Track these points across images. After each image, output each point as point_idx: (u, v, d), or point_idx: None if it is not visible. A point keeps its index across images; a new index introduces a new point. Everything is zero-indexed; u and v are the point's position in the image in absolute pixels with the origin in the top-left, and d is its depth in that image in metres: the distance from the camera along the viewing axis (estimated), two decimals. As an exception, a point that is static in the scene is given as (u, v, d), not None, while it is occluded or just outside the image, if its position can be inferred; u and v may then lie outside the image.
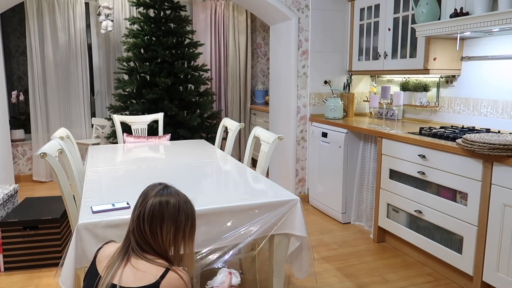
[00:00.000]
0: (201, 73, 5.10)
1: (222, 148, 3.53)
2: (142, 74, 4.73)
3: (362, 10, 3.94)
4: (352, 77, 4.25)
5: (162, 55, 4.53)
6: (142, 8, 4.74)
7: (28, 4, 4.95)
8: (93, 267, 1.39)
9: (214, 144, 3.53)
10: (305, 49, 4.17)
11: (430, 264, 2.91)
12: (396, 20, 3.46)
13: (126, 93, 4.77)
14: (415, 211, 2.90)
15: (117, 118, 3.78)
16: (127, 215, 1.72)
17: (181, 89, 4.80)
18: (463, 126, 3.13)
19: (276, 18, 4.32)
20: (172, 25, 4.77)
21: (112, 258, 1.34)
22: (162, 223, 1.34)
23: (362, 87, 4.39)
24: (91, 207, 1.81)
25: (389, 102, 3.54)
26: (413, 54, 3.28)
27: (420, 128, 3.07)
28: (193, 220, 1.43)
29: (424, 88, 3.53)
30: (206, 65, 5.16)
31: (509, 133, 2.63)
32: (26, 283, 2.70)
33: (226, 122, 3.48)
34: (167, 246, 1.36)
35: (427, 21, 2.94)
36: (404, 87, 3.69)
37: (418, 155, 2.83)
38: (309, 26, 4.14)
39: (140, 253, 1.33)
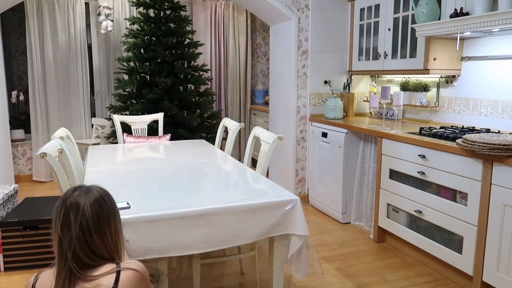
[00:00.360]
0: (201, 73, 5.09)
1: (222, 148, 3.53)
2: (142, 74, 4.73)
3: (362, 10, 3.94)
4: (352, 77, 4.25)
5: (162, 55, 4.53)
6: (142, 8, 4.74)
7: (28, 4, 4.95)
8: None
9: (214, 144, 3.53)
10: (305, 49, 4.17)
11: (430, 264, 2.91)
12: (396, 20, 3.46)
13: (126, 93, 4.77)
14: (415, 211, 2.90)
15: (117, 118, 3.78)
16: (127, 215, 1.72)
17: (181, 89, 4.80)
18: (463, 126, 3.13)
19: (276, 18, 4.32)
20: (172, 25, 4.77)
21: None
22: (109, 220, 1.26)
23: (362, 87, 4.39)
24: None
25: (389, 102, 3.54)
26: (413, 54, 3.28)
27: (420, 128, 3.07)
28: (116, 204, 1.35)
29: (424, 88, 3.53)
30: (206, 65, 5.16)
31: (509, 133, 2.63)
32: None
33: (226, 122, 3.48)
34: (116, 242, 1.28)
35: (427, 21, 2.94)
36: (404, 87, 3.69)
37: (418, 155, 2.83)
38: (309, 26, 4.14)
39: (84, 274, 1.20)
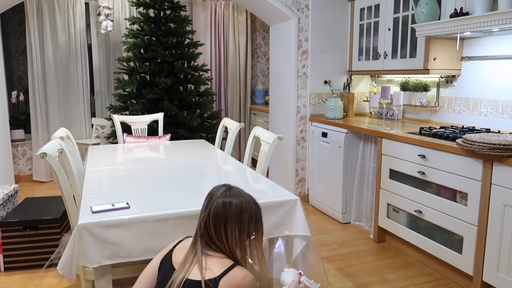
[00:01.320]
0: (201, 73, 5.10)
1: (222, 148, 3.53)
2: (142, 74, 4.73)
3: (362, 10, 3.94)
4: (352, 77, 4.25)
5: (162, 55, 4.53)
6: (142, 8, 4.74)
7: (28, 4, 4.95)
8: (168, 259, 1.46)
9: (214, 144, 3.53)
10: (305, 49, 4.17)
11: (430, 264, 2.91)
12: (396, 20, 3.46)
13: (126, 93, 4.77)
14: (415, 211, 2.90)
15: (117, 118, 3.78)
16: (127, 215, 1.72)
17: (181, 89, 4.80)
18: (463, 126, 3.13)
19: (276, 18, 4.32)
20: (172, 25, 4.77)
21: (185, 256, 1.41)
22: (226, 223, 1.39)
23: (362, 87, 4.39)
24: (90, 207, 1.81)
25: (389, 102, 3.54)
26: (413, 54, 3.28)
27: (420, 128, 3.06)
28: (257, 220, 1.46)
29: (424, 88, 3.53)
30: (206, 65, 5.16)
31: (509, 133, 2.63)
32: (26, 283, 2.70)
33: (226, 122, 3.48)
34: (233, 247, 1.41)
35: (427, 21, 2.94)
36: (404, 87, 3.69)
37: (418, 155, 2.83)
38: (309, 26, 4.14)
39: (207, 252, 1.39)
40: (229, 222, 1.39)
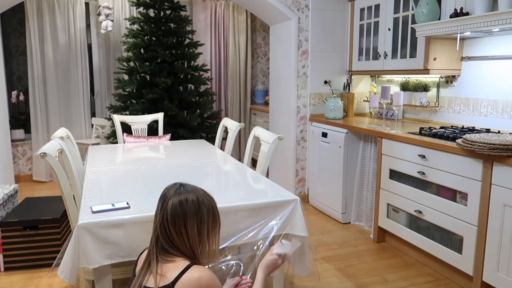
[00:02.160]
0: (201, 73, 5.10)
1: (222, 148, 3.53)
2: (142, 74, 4.73)
3: (362, 10, 3.94)
4: (352, 77, 4.25)
5: (162, 55, 4.53)
6: (142, 8, 4.75)
7: (28, 4, 4.95)
8: (134, 268, 1.46)
9: (214, 144, 3.53)
10: (305, 49, 4.17)
11: (430, 264, 2.91)
12: (396, 20, 3.46)
13: (126, 93, 4.77)
14: (415, 211, 2.90)
15: (117, 118, 3.78)
16: (126, 215, 1.72)
17: (181, 89, 4.80)
18: (463, 126, 3.13)
19: (276, 18, 4.32)
20: (172, 25, 4.77)
21: (142, 263, 1.39)
22: (185, 221, 1.36)
23: (362, 87, 4.39)
24: (90, 207, 1.81)
25: (389, 102, 3.54)
26: (413, 54, 3.28)
27: (420, 128, 3.06)
28: (214, 213, 1.44)
29: (424, 88, 3.53)
30: (206, 65, 5.16)
31: (509, 133, 2.63)
32: (26, 283, 2.70)
33: (226, 122, 3.48)
34: (193, 245, 1.38)
35: (427, 21, 2.94)
36: (404, 87, 3.69)
37: (418, 155, 2.83)
38: (309, 26, 4.14)
39: (164, 257, 1.35)
40: (188, 219, 1.36)
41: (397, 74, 3.66)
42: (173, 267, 1.33)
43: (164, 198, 1.39)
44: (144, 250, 1.48)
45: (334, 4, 4.16)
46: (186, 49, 4.81)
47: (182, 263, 1.34)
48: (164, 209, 1.37)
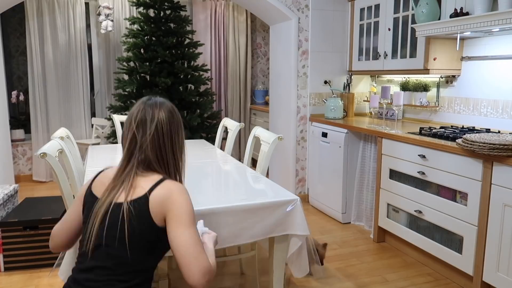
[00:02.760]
0: (201, 73, 5.09)
1: (222, 148, 3.53)
2: (142, 74, 4.73)
3: (362, 10, 3.94)
4: (352, 77, 4.25)
5: (162, 55, 4.53)
6: (142, 8, 4.74)
7: (28, 4, 4.95)
8: (89, 193, 1.38)
9: (214, 144, 3.53)
10: (305, 49, 4.17)
11: (430, 264, 2.91)
12: (396, 20, 3.46)
13: (126, 93, 4.77)
14: (415, 211, 2.90)
15: (117, 118, 3.78)
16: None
17: (181, 89, 4.80)
18: (463, 126, 3.13)
19: (276, 18, 4.32)
20: (172, 25, 4.77)
21: (111, 182, 1.34)
22: (177, 130, 1.38)
23: (362, 87, 4.39)
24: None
25: (389, 102, 3.54)
26: (413, 54, 3.28)
27: (420, 128, 3.06)
28: (181, 119, 1.46)
29: (424, 88, 3.53)
30: (206, 65, 5.16)
31: (509, 133, 2.63)
32: (26, 283, 2.70)
33: (226, 122, 3.48)
34: (180, 157, 1.41)
35: (427, 21, 2.94)
36: (404, 87, 3.69)
37: (418, 155, 2.83)
38: (309, 26, 4.14)
39: (139, 173, 1.34)
40: (180, 128, 1.40)
41: (397, 74, 3.66)
42: (148, 180, 1.32)
43: (151, 111, 1.36)
44: (95, 177, 1.42)
45: (334, 4, 4.16)
46: (186, 49, 4.81)
47: (156, 176, 1.34)
48: (157, 120, 1.34)
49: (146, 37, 4.68)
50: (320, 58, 4.21)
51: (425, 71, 3.16)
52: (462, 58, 3.21)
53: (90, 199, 1.37)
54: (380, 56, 3.66)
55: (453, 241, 2.64)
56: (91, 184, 1.41)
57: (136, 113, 1.37)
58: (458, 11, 2.71)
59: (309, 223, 3.75)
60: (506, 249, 2.28)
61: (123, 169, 1.36)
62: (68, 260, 1.66)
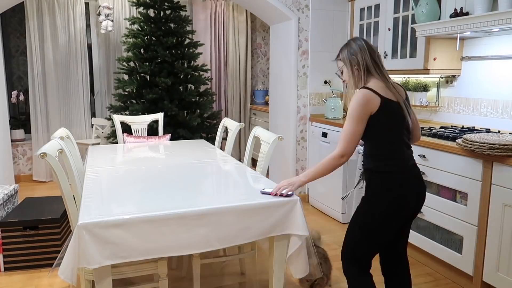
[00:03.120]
0: (201, 73, 5.10)
1: (222, 148, 3.53)
2: (142, 74, 4.73)
3: (362, 10, 3.94)
4: (352, 77, 4.24)
5: (162, 55, 4.53)
6: (142, 8, 4.74)
7: (28, 4, 4.95)
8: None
9: (214, 144, 3.53)
10: (305, 49, 4.17)
11: (430, 264, 2.91)
12: (396, 20, 3.46)
13: (126, 93, 4.77)
14: (415, 211, 2.89)
15: (117, 118, 3.78)
16: (127, 215, 1.72)
17: (181, 89, 4.80)
18: (463, 126, 3.13)
19: (276, 18, 4.32)
20: (172, 25, 4.77)
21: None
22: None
23: (362, 87, 4.38)
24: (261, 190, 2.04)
25: (389, 102, 3.54)
26: (413, 54, 3.28)
27: (420, 128, 3.06)
28: None
29: (424, 88, 3.53)
30: (206, 65, 5.16)
31: (509, 133, 2.63)
32: (26, 283, 2.70)
33: (226, 122, 3.48)
34: None
35: (427, 21, 2.94)
36: (404, 87, 3.69)
37: (418, 155, 2.83)
38: (309, 26, 4.14)
39: None
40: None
41: (397, 74, 3.66)
42: None
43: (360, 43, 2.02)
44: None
45: (334, 4, 4.17)
46: (186, 49, 4.81)
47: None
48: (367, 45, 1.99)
49: (146, 37, 4.68)
50: (320, 58, 4.21)
51: (425, 71, 3.16)
52: (462, 58, 3.21)
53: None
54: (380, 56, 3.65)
55: (453, 241, 2.64)
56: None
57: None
58: (458, 11, 2.71)
59: (309, 223, 3.74)
60: (506, 249, 2.28)
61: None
62: (68, 259, 1.65)
